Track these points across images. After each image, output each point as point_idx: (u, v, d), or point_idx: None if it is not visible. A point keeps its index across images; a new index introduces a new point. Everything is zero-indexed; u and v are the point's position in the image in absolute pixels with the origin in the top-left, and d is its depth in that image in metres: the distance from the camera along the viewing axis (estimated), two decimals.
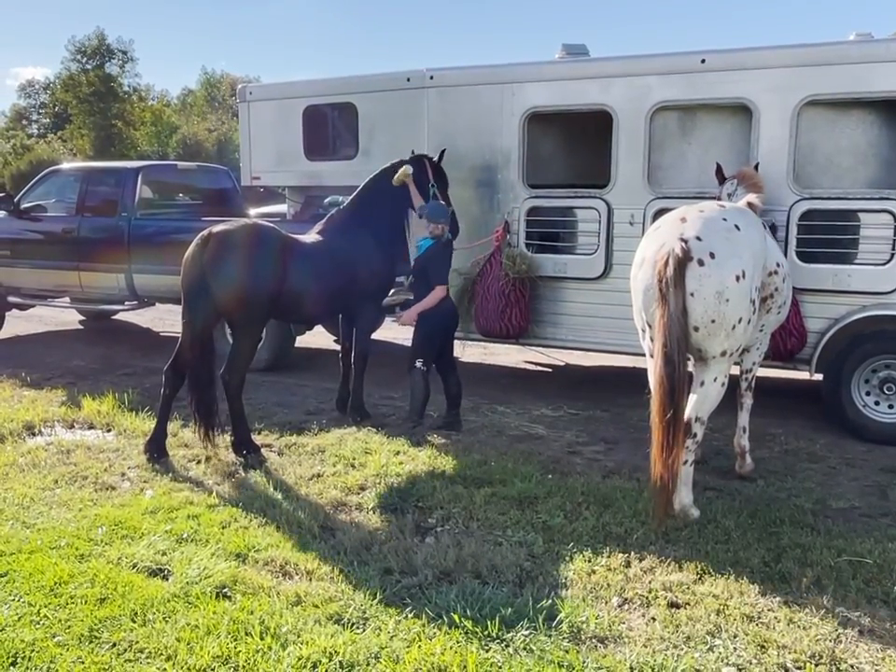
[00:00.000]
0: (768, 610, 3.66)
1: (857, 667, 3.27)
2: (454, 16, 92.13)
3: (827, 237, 6.24)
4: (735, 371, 5.19)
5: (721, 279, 4.38)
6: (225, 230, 5.69)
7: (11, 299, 10.24)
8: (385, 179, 6.68)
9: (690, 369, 4.56)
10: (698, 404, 4.61)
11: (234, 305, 5.67)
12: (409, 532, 4.46)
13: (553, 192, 7.37)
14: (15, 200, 10.01)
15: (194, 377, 5.73)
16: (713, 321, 4.42)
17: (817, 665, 3.26)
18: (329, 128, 8.52)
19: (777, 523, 4.59)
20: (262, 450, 5.84)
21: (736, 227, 4.61)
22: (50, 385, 7.75)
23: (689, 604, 3.73)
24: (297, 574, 4.01)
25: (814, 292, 6.30)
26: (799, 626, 3.52)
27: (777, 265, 5.15)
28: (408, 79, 7.80)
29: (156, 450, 5.73)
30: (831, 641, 3.41)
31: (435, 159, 6.92)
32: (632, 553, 4.21)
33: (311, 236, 6.38)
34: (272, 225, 6.17)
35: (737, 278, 4.41)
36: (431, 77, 7.66)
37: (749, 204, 5.30)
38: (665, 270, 4.33)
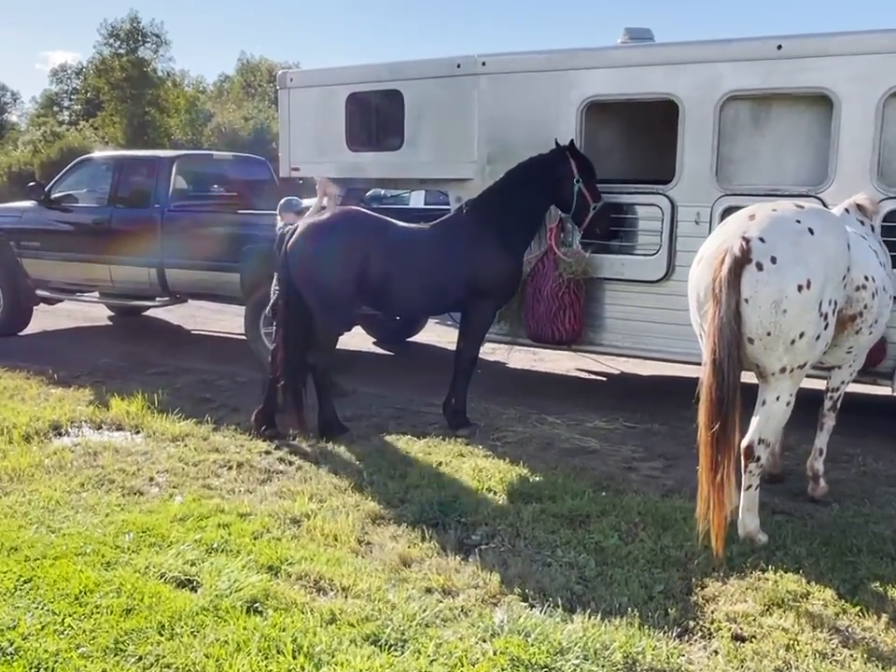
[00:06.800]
0: (843, 647, 3.58)
1: None
2: None
3: None
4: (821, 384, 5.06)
5: (781, 287, 4.22)
6: (322, 220, 6.38)
7: (39, 292, 10.47)
8: (525, 172, 6.73)
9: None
10: (761, 425, 4.48)
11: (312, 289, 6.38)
12: (451, 549, 4.46)
13: (611, 188, 7.28)
14: (45, 189, 10.25)
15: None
16: (768, 333, 4.27)
17: None
18: (373, 117, 8.56)
19: (854, 551, 4.48)
20: (297, 458, 5.91)
21: (810, 230, 4.38)
22: (78, 383, 7.91)
23: (755, 637, 3.66)
24: (332, 590, 4.02)
25: None
26: (877, 666, 3.44)
27: (866, 278, 4.85)
28: (458, 66, 7.80)
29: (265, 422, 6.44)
30: None
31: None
32: (693, 579, 4.15)
33: (418, 225, 6.72)
34: (367, 212, 6.51)
35: (800, 288, 4.22)
36: (483, 64, 7.65)
37: (859, 206, 5.14)
38: (720, 269, 4.23)
